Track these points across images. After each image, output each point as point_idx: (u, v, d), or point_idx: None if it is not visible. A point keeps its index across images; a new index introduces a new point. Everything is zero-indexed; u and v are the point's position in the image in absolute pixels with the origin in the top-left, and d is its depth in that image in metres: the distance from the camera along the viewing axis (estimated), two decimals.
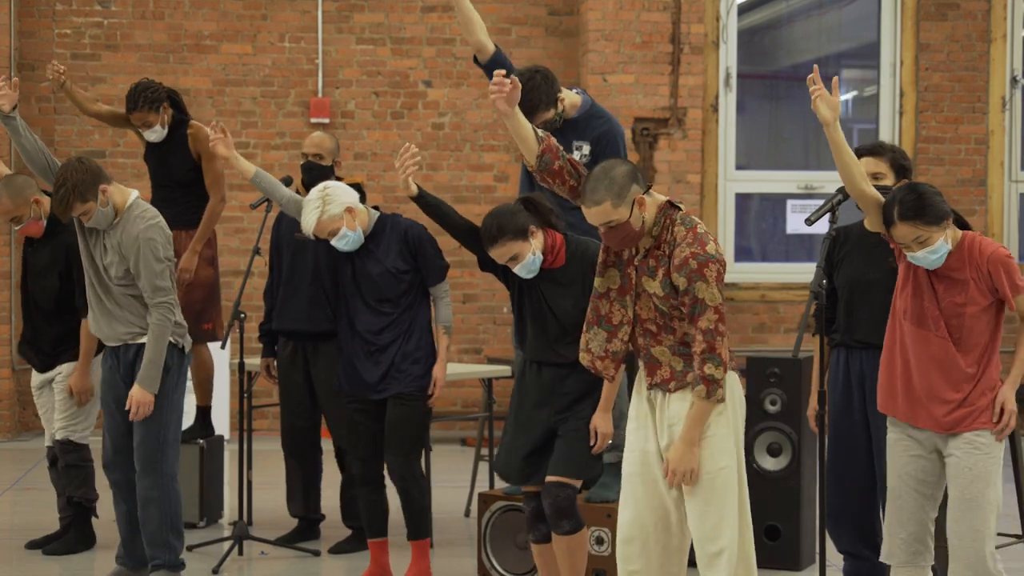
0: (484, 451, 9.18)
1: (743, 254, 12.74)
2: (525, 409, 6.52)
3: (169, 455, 7.08)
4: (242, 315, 7.86)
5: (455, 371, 9.08)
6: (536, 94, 7.15)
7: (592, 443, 6.34)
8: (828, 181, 12.27)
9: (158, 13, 12.41)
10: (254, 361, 8.56)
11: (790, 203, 12.72)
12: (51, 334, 8.07)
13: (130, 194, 7.05)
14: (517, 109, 5.53)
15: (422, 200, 6.73)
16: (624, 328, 5.56)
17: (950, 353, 5.64)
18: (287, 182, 8.55)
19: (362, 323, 7.22)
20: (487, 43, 7.45)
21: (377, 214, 7.35)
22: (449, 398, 12.37)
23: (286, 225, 8.32)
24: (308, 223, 7.06)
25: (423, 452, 7.48)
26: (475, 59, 7.56)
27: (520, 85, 5.52)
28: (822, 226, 6.63)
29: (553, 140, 5.63)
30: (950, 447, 5.67)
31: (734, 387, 5.54)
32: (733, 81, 12.49)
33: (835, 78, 5.92)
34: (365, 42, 12.53)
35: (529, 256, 6.34)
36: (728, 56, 12.47)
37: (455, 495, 9.46)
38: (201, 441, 8.85)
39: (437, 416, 10.97)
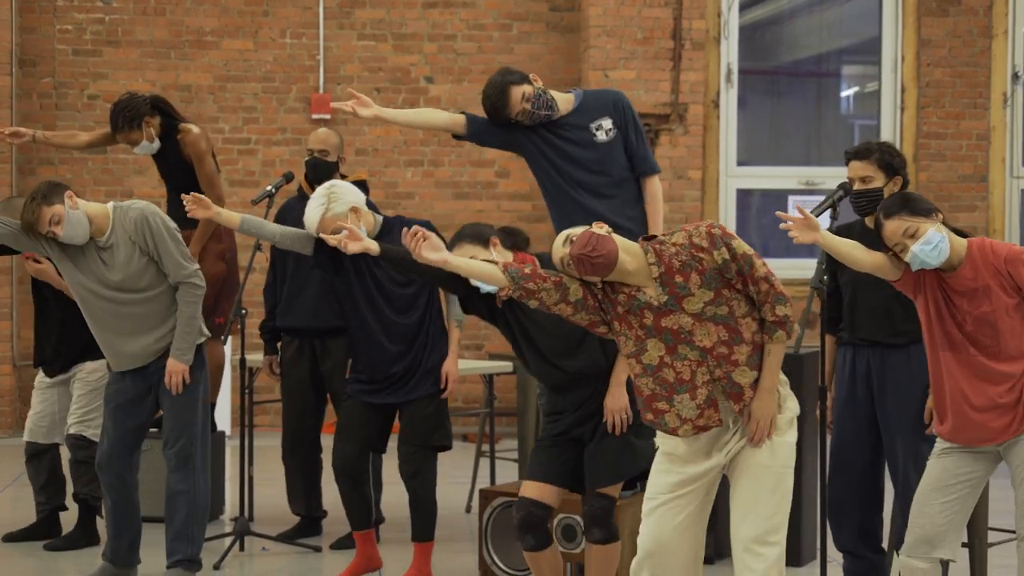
0: (485, 447, 9.17)
1: None
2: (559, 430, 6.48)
3: (201, 449, 7.10)
4: (244, 311, 7.85)
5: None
6: (493, 85, 7.09)
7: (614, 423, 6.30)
8: (829, 176, 12.27)
9: (159, 9, 12.40)
10: (255, 357, 8.56)
11: (791, 199, 12.71)
12: (73, 334, 8.03)
13: (109, 206, 7.00)
14: (452, 257, 5.61)
15: (384, 257, 6.52)
16: (700, 372, 5.38)
17: (989, 366, 5.58)
18: (288, 178, 8.56)
19: (378, 328, 7.20)
20: (452, 120, 7.25)
21: (382, 219, 7.31)
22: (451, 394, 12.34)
23: (291, 221, 8.30)
24: (312, 220, 7.01)
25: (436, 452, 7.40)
26: (455, 136, 7.41)
27: (430, 235, 5.59)
28: (823, 222, 6.61)
29: (509, 262, 5.64)
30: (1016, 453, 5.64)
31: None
32: (734, 77, 12.49)
33: (798, 205, 5.86)
34: (366, 38, 12.53)
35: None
36: (729, 52, 12.47)
37: (456, 491, 9.46)
38: None
39: None
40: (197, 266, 7.09)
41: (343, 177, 8.28)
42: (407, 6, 12.54)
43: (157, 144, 8.85)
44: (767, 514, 5.39)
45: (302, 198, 8.31)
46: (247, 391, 8.28)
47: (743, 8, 12.61)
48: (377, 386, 7.28)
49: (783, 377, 5.49)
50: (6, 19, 11.93)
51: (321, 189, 7.09)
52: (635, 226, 7.02)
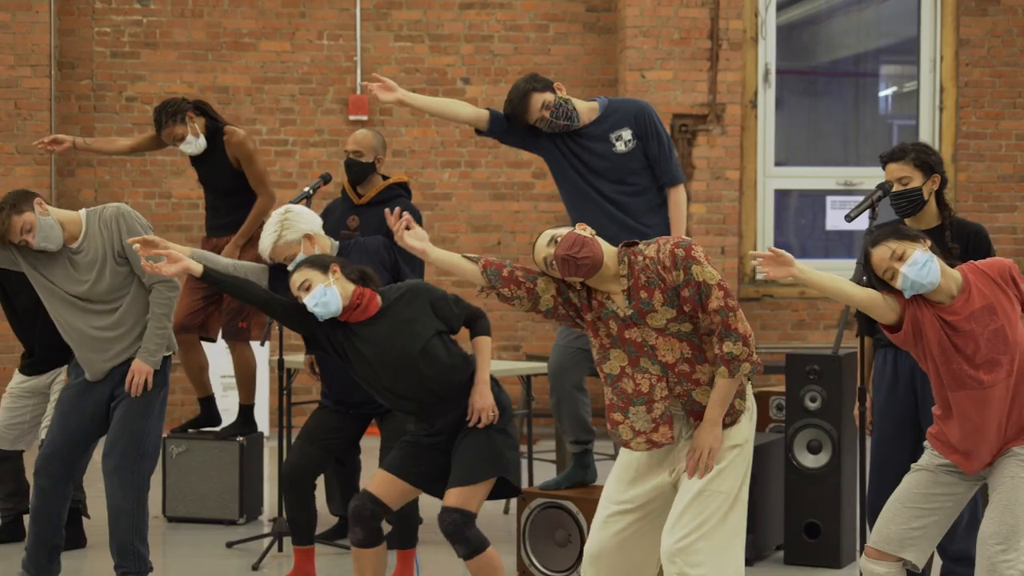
0: (523, 448, 9.18)
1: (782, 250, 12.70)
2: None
3: (145, 467, 6.82)
4: None
5: (494, 368, 9.08)
6: (517, 89, 7.20)
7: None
8: (868, 177, 12.24)
9: (197, 11, 12.45)
10: (293, 358, 8.59)
11: (829, 199, 12.69)
12: (50, 338, 7.56)
13: (80, 214, 6.77)
14: (431, 248, 5.72)
15: (208, 281, 6.48)
16: (659, 386, 5.40)
17: (1009, 387, 5.55)
18: (326, 179, 8.58)
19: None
20: (477, 116, 7.35)
21: (338, 243, 7.30)
22: None
23: (332, 222, 8.34)
24: (264, 246, 6.96)
25: None
26: (478, 132, 7.44)
27: (411, 219, 5.75)
28: (862, 222, 6.62)
29: (490, 258, 5.65)
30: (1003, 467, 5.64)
31: (750, 426, 5.50)
32: (772, 77, 12.47)
33: (770, 247, 5.83)
34: (403, 39, 12.56)
35: (320, 287, 6.16)
36: (767, 52, 12.45)
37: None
38: (240, 438, 8.89)
39: None
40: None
41: (384, 178, 8.30)
42: (444, 7, 12.56)
43: (203, 141, 8.86)
44: (688, 530, 5.35)
45: (344, 199, 8.35)
46: (285, 392, 8.30)
47: (780, 8, 12.59)
48: (344, 407, 7.31)
49: (749, 403, 5.47)
50: (45, 22, 12.00)
51: (275, 215, 7.03)
52: (653, 233, 7.04)
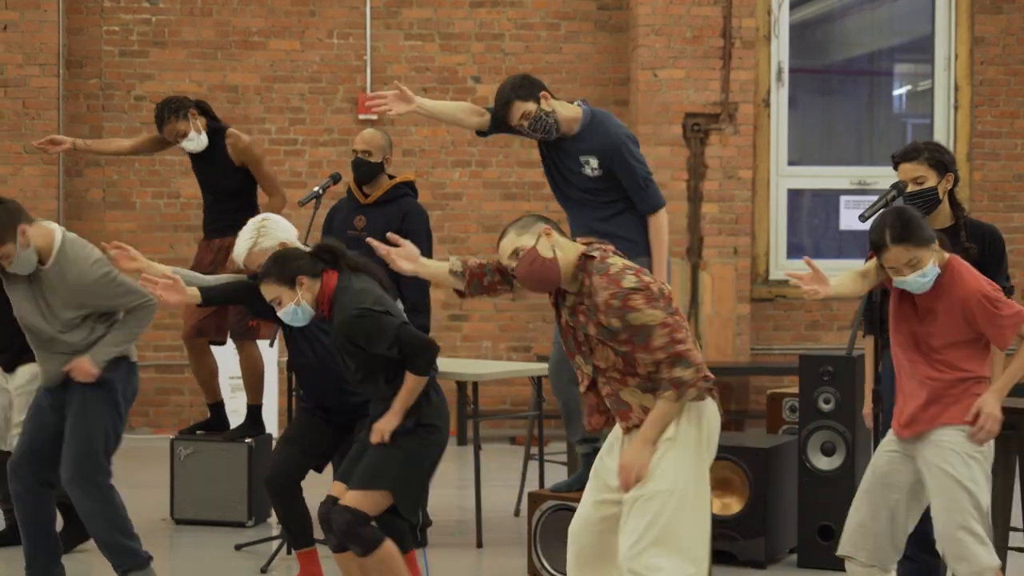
0: (534, 450, 9.14)
1: (795, 251, 12.65)
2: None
3: (102, 465, 6.81)
4: None
5: (505, 369, 9.06)
6: (502, 92, 7.25)
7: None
8: (882, 176, 12.18)
9: (206, 10, 12.43)
10: None
11: (843, 199, 12.65)
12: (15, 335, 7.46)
13: (55, 234, 6.69)
14: (424, 260, 5.84)
15: (208, 301, 6.70)
16: (587, 382, 5.54)
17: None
18: (336, 179, 8.57)
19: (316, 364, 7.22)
20: (480, 121, 7.44)
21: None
22: (498, 396, 12.35)
23: (338, 222, 8.32)
24: (239, 253, 6.94)
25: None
26: (479, 133, 7.53)
27: (406, 243, 5.84)
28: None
29: (472, 262, 5.75)
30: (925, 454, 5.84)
31: (708, 412, 5.45)
32: (785, 76, 12.42)
33: (806, 259, 6.03)
34: (413, 38, 12.52)
35: (291, 306, 6.24)
36: (780, 50, 12.41)
37: (505, 494, 9.44)
38: (249, 440, 8.86)
39: (487, 414, 10.97)
40: (148, 296, 6.70)
41: (390, 178, 8.27)
42: (454, 5, 12.53)
43: (205, 138, 8.87)
44: (635, 537, 5.33)
45: (350, 199, 8.33)
46: (294, 393, 8.27)
47: (793, 6, 12.54)
48: (322, 412, 7.27)
49: (694, 361, 5.39)
50: (53, 20, 11.98)
51: (252, 222, 7.00)
52: (635, 247, 7.15)
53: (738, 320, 12.06)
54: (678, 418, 5.39)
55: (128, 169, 12.32)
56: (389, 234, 5.97)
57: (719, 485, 7.67)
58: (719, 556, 7.60)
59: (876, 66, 13.63)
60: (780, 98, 12.43)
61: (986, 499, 5.68)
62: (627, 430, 5.48)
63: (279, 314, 6.32)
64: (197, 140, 8.89)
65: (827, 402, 7.77)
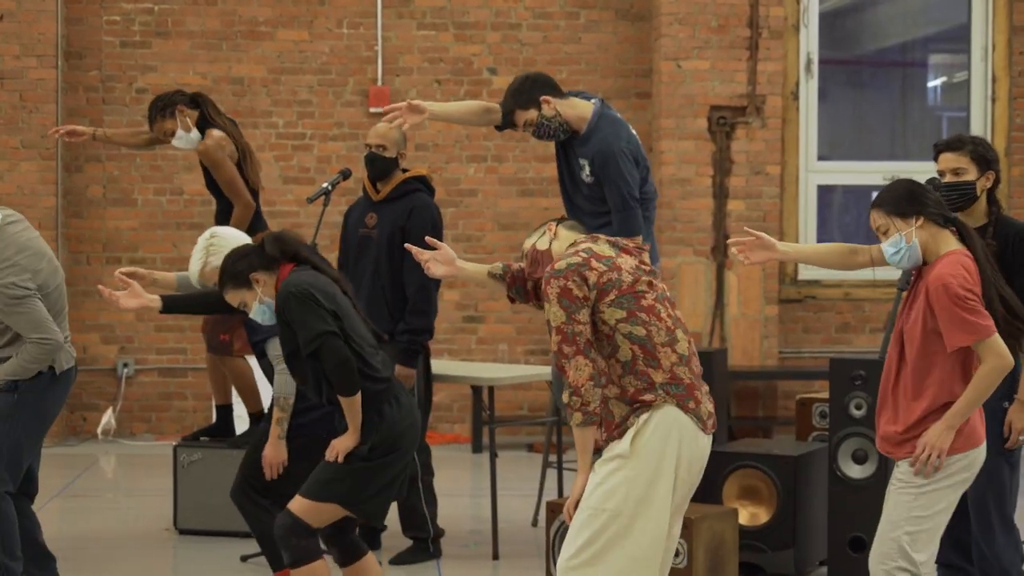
0: (552, 457, 9.13)
1: None
2: None
3: None
4: None
5: (522, 373, 9.05)
6: (504, 99, 7.46)
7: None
8: (915, 172, 12.08)
9: None
10: None
11: (875, 196, 12.60)
12: None
13: None
14: (461, 264, 5.90)
15: (169, 309, 6.71)
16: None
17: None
18: (346, 175, 8.56)
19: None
20: (492, 116, 7.62)
21: None
22: (515, 401, 12.34)
23: (352, 220, 8.31)
24: (192, 272, 6.97)
25: None
26: (497, 128, 7.76)
27: (443, 246, 5.91)
28: None
29: (515, 266, 5.84)
30: None
31: (673, 428, 5.37)
32: (815, 67, 12.39)
33: (748, 229, 6.00)
34: (426, 27, 12.51)
35: (255, 305, 6.26)
36: (809, 40, 12.38)
37: (522, 504, 9.42)
38: None
39: (503, 420, 10.95)
40: (52, 332, 6.63)
41: (403, 171, 8.26)
42: None
43: (196, 135, 8.89)
44: (574, 549, 5.34)
45: (365, 197, 8.32)
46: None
47: None
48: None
49: (645, 425, 5.35)
50: (51, 10, 11.98)
51: (201, 240, 6.99)
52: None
53: (766, 322, 12.03)
54: (639, 432, 5.34)
55: (129, 164, 12.33)
56: (427, 238, 6.03)
57: (746, 495, 7.65)
58: (746, 569, 7.59)
59: (910, 57, 13.60)
60: (809, 90, 12.40)
61: (917, 528, 5.69)
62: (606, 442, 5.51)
63: (252, 316, 6.33)
64: (186, 138, 8.93)
65: (859, 408, 7.73)
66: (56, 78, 12.03)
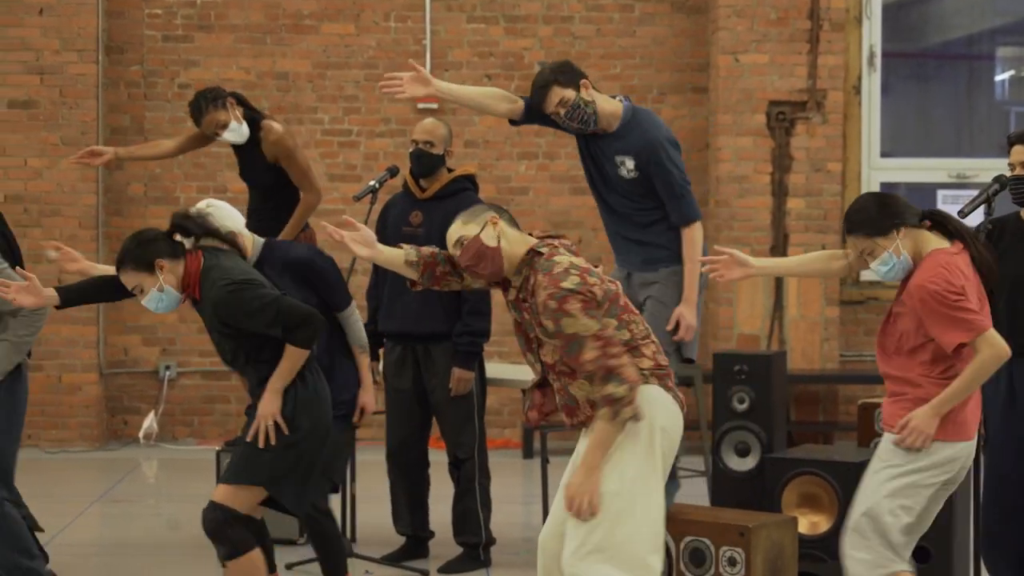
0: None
1: None
2: None
3: None
4: None
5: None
6: (541, 74, 7.35)
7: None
8: (983, 169, 12.11)
9: None
10: None
11: (941, 193, 12.58)
12: None
13: None
14: (380, 247, 5.87)
15: (67, 302, 6.68)
16: (537, 390, 5.74)
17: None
18: (393, 172, 8.59)
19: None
20: (510, 108, 7.51)
21: (262, 241, 7.18)
22: None
23: (393, 217, 8.33)
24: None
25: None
26: (512, 122, 7.67)
27: (363, 227, 5.86)
28: (976, 218, 6.55)
29: (426, 251, 5.86)
30: None
31: (655, 402, 5.51)
32: (877, 60, 12.37)
33: (719, 248, 6.09)
34: (476, 20, 12.54)
35: (153, 292, 6.29)
36: (872, 33, 12.35)
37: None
38: None
39: (554, 426, 10.93)
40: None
41: (449, 171, 8.29)
42: None
43: (246, 129, 8.91)
44: (578, 542, 5.44)
45: (406, 194, 8.35)
46: None
47: None
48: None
49: (627, 377, 5.44)
50: (92, 3, 12.06)
51: (197, 209, 7.05)
52: (665, 255, 7.39)
53: (826, 324, 12.01)
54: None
55: (171, 162, 12.39)
56: (344, 217, 6.04)
57: (806, 502, 7.64)
58: None
59: (976, 50, 13.55)
60: (872, 84, 12.37)
61: (887, 506, 5.77)
62: (576, 426, 5.61)
63: (143, 303, 6.35)
64: (238, 131, 8.94)
65: None
66: (97, 73, 12.11)
